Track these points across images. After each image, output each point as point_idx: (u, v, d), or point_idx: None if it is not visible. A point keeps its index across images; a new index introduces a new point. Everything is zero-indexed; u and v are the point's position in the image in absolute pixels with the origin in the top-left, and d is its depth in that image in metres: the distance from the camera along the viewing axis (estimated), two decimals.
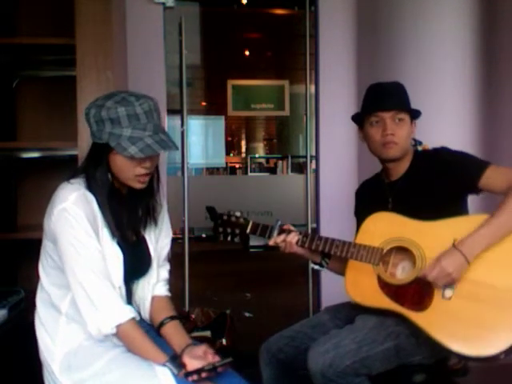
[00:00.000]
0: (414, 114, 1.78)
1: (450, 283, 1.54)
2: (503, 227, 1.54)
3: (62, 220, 1.36)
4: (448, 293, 1.55)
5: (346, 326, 1.66)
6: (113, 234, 1.44)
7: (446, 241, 1.57)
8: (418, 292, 1.57)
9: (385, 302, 1.61)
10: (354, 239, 1.72)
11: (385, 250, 1.64)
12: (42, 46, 2.16)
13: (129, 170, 1.42)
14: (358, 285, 1.68)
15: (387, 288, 1.62)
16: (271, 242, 1.73)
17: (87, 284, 1.36)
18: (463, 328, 1.51)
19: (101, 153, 1.42)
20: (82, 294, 1.36)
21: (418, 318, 1.55)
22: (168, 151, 1.48)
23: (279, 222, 1.75)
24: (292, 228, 1.76)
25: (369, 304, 1.65)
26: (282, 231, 1.74)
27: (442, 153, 1.72)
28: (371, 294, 1.64)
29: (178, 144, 3.41)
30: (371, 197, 1.85)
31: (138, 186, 1.46)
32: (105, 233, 1.43)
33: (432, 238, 1.60)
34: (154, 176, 1.53)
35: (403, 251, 1.65)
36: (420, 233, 1.62)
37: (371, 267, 1.64)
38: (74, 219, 1.36)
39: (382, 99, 1.72)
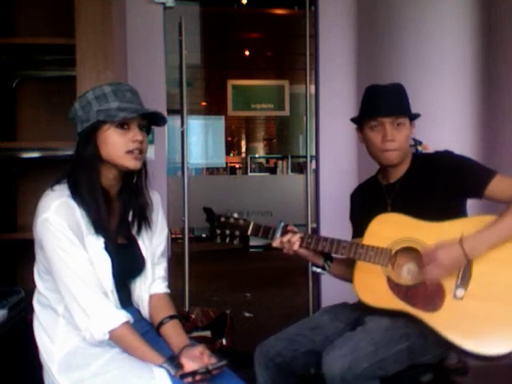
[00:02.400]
0: (413, 116, 1.77)
1: (442, 276, 1.54)
2: (509, 230, 1.55)
3: (46, 230, 1.35)
4: (459, 292, 1.56)
5: (358, 327, 1.64)
6: (100, 238, 1.42)
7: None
8: (430, 292, 1.57)
9: (396, 303, 1.60)
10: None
11: (393, 251, 1.64)
12: (42, 46, 2.16)
13: (120, 147, 1.41)
14: (367, 286, 1.66)
15: (397, 289, 1.61)
16: (275, 244, 1.70)
17: (77, 293, 1.35)
18: (476, 327, 1.52)
19: (89, 138, 1.41)
20: (73, 303, 1.36)
21: (431, 319, 1.55)
22: (156, 116, 1.46)
23: (282, 223, 1.72)
24: (295, 229, 1.73)
25: (380, 305, 1.63)
26: (285, 232, 1.71)
27: (445, 157, 1.71)
28: (381, 295, 1.62)
29: (178, 144, 3.41)
30: (369, 200, 1.84)
31: (132, 163, 1.42)
32: (90, 239, 1.41)
33: (441, 238, 1.59)
34: (142, 173, 1.52)
35: (407, 253, 1.65)
36: (428, 233, 1.61)
37: (380, 268, 1.63)
38: (56, 230, 1.34)
39: (383, 104, 1.70)
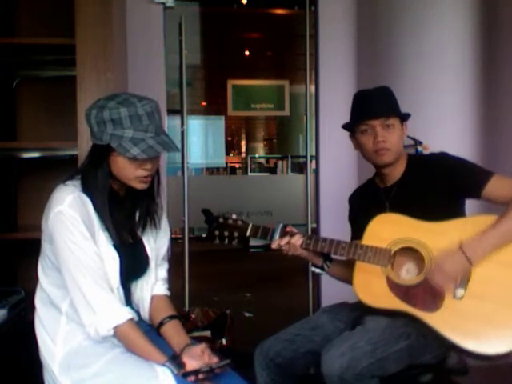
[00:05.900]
0: (404, 117, 1.76)
1: (450, 284, 1.56)
2: (508, 233, 1.56)
3: (58, 223, 1.36)
4: (459, 292, 1.57)
5: (357, 327, 1.64)
6: (110, 236, 1.44)
7: (453, 241, 1.58)
8: (429, 292, 1.58)
9: (396, 304, 1.60)
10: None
11: (393, 251, 1.64)
12: (42, 46, 2.16)
13: (130, 172, 1.42)
14: (367, 286, 1.65)
15: (397, 289, 1.61)
16: (274, 245, 1.69)
17: (84, 286, 1.36)
18: (476, 327, 1.53)
19: (101, 154, 1.41)
20: (80, 297, 1.37)
21: (431, 319, 1.56)
22: (169, 152, 1.46)
23: (281, 225, 1.72)
24: (294, 230, 1.73)
25: (380, 306, 1.63)
26: (284, 233, 1.71)
27: (441, 158, 1.71)
28: (381, 295, 1.62)
29: (178, 144, 3.42)
30: (368, 202, 1.84)
31: (139, 186, 1.45)
32: (101, 235, 1.43)
33: (440, 238, 1.60)
34: (154, 178, 1.53)
35: (406, 253, 1.65)
36: (428, 233, 1.62)
37: (379, 268, 1.63)
38: (69, 222, 1.35)
39: (370, 107, 1.71)
